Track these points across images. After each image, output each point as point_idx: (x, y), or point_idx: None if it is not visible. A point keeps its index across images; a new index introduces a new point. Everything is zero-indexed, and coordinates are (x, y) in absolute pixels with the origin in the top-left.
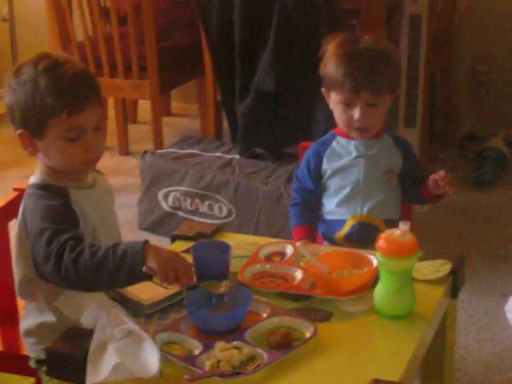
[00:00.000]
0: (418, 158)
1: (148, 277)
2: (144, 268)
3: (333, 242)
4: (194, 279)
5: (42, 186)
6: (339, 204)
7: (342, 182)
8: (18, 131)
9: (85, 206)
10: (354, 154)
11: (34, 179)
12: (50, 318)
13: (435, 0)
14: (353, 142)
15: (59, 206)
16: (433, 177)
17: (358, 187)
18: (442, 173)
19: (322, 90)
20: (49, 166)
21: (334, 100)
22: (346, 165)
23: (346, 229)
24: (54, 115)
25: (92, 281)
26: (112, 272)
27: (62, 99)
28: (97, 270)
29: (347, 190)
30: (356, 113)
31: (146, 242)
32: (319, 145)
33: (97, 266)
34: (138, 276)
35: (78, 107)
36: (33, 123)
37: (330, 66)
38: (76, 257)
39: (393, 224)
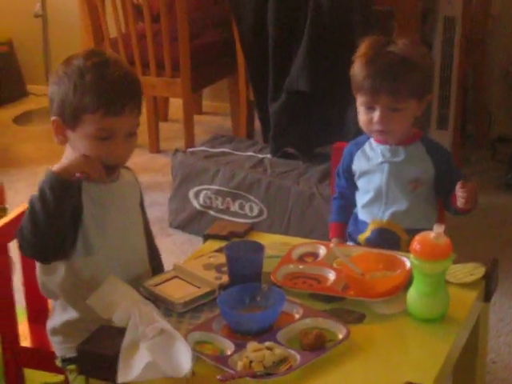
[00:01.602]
0: (454, 168)
1: (72, 185)
2: (78, 175)
3: (356, 243)
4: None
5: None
6: (364, 206)
7: (367, 185)
8: (53, 118)
9: (100, 199)
10: (380, 159)
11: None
12: (73, 315)
13: (469, 2)
14: (381, 147)
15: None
16: (456, 187)
17: (380, 193)
18: (460, 184)
19: (353, 91)
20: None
21: (358, 101)
22: (371, 169)
23: (367, 233)
24: (89, 112)
25: (34, 231)
26: (40, 206)
27: (100, 99)
28: (31, 218)
29: (371, 194)
30: (376, 116)
31: (49, 169)
32: (353, 145)
33: (29, 215)
34: (65, 187)
35: (115, 110)
36: (68, 114)
37: (355, 67)
38: (20, 230)
39: (415, 233)
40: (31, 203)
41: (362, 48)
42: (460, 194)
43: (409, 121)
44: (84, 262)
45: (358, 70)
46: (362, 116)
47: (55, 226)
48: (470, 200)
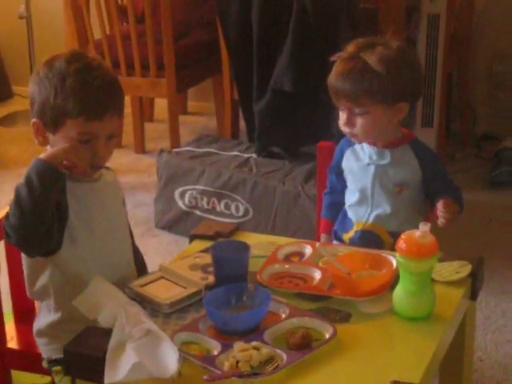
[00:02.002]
0: (441, 172)
1: (59, 172)
2: (65, 162)
3: (341, 241)
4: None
5: None
6: (351, 206)
7: (354, 185)
8: (33, 120)
9: (83, 197)
10: (366, 160)
11: None
12: (58, 316)
13: (453, 0)
14: (369, 149)
15: None
16: (437, 205)
17: (366, 194)
18: (440, 204)
19: None
20: None
21: None
22: (358, 169)
23: (351, 233)
24: (71, 117)
25: (21, 220)
26: (26, 193)
27: (82, 104)
28: (17, 204)
29: (357, 194)
30: (342, 118)
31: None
32: (345, 141)
33: (16, 202)
34: (52, 174)
35: (96, 116)
36: (49, 117)
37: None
38: (6, 217)
39: (399, 236)
40: (17, 190)
41: (347, 48)
42: (441, 214)
43: (376, 126)
44: (71, 261)
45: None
46: (339, 118)
47: (41, 213)
48: (448, 222)
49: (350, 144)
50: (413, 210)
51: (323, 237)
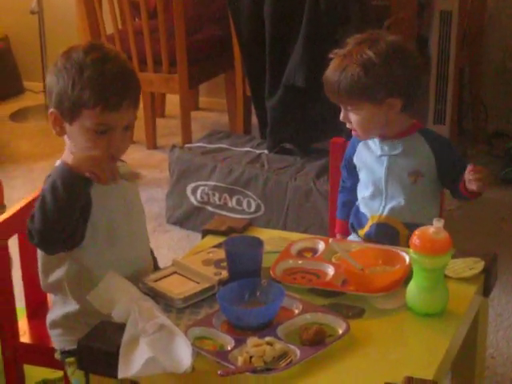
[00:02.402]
0: (458, 156)
1: (85, 182)
2: (87, 175)
3: (357, 235)
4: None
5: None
6: (364, 200)
7: (367, 178)
8: (50, 110)
9: (103, 192)
10: (379, 152)
11: (58, 163)
12: (74, 307)
13: None
14: (379, 141)
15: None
16: (467, 171)
17: (380, 187)
18: (471, 167)
19: None
20: (71, 151)
21: None
22: (371, 161)
23: (366, 227)
24: (88, 107)
25: (44, 222)
26: (51, 199)
27: (99, 94)
28: (41, 209)
29: (371, 188)
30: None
31: (60, 164)
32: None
33: (40, 207)
34: (78, 184)
35: (113, 106)
36: (66, 108)
37: None
38: (31, 218)
39: (415, 228)
40: (42, 194)
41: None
42: (472, 177)
43: (371, 122)
44: (89, 255)
45: None
46: None
47: (65, 219)
48: (483, 182)
49: (359, 140)
50: (427, 200)
51: (339, 236)
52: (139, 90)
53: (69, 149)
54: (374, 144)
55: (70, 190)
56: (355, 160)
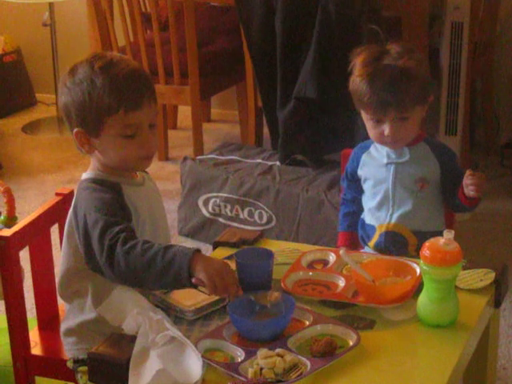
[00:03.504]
0: (459, 168)
1: (194, 285)
2: (193, 280)
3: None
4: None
5: (95, 180)
6: (371, 210)
7: (374, 188)
8: (75, 130)
9: (136, 201)
10: (385, 160)
11: (86, 175)
12: (90, 316)
13: (477, 8)
14: (386, 149)
15: (113, 199)
16: (465, 176)
17: (387, 195)
18: (469, 172)
19: (356, 106)
20: (102, 163)
21: (364, 116)
22: (376, 171)
23: (375, 237)
24: (112, 113)
25: (140, 276)
26: (159, 273)
27: (118, 97)
28: (145, 267)
29: (378, 196)
30: (386, 129)
31: (197, 251)
32: (359, 148)
33: (146, 264)
34: (184, 282)
35: (135, 104)
36: (90, 121)
37: (356, 85)
38: (128, 250)
39: (423, 236)
40: (154, 259)
41: (359, 65)
42: (469, 182)
43: (417, 125)
44: None
45: (360, 87)
46: (372, 130)
47: (151, 287)
48: (479, 188)
49: (364, 150)
50: (434, 207)
51: (341, 250)
52: (153, 84)
53: (97, 162)
54: (379, 153)
55: (173, 283)
56: (360, 172)
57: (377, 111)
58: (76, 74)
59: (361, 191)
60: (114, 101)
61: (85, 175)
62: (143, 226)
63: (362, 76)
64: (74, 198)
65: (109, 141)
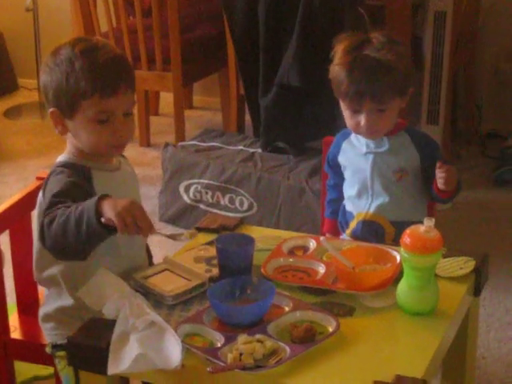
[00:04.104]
0: (438, 157)
1: (109, 230)
2: (103, 220)
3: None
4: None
5: (66, 164)
6: (350, 199)
7: (353, 176)
8: (50, 109)
9: (108, 186)
10: (364, 149)
11: (60, 158)
12: (68, 302)
13: None
14: (365, 138)
15: (74, 184)
16: (436, 168)
17: (365, 184)
18: (438, 164)
19: (335, 93)
20: (76, 147)
21: (342, 105)
22: (355, 160)
23: (352, 225)
24: (86, 97)
25: (61, 241)
26: (74, 227)
27: (94, 82)
28: (63, 230)
29: (356, 186)
30: (362, 120)
31: (102, 196)
32: (340, 135)
33: (63, 226)
34: (96, 227)
35: (110, 91)
36: (65, 103)
37: (335, 73)
38: (51, 219)
39: (401, 226)
40: (69, 215)
41: (339, 53)
42: (439, 175)
43: (394, 117)
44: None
45: (339, 76)
46: (349, 120)
47: (81, 246)
48: (448, 180)
49: (345, 137)
50: (413, 198)
51: (327, 235)
52: (133, 73)
53: (72, 146)
54: (359, 142)
55: (91, 233)
56: (340, 159)
57: (353, 101)
58: (58, 54)
59: (342, 178)
60: (90, 85)
61: (59, 158)
62: None
63: (341, 65)
64: (44, 181)
65: (82, 124)
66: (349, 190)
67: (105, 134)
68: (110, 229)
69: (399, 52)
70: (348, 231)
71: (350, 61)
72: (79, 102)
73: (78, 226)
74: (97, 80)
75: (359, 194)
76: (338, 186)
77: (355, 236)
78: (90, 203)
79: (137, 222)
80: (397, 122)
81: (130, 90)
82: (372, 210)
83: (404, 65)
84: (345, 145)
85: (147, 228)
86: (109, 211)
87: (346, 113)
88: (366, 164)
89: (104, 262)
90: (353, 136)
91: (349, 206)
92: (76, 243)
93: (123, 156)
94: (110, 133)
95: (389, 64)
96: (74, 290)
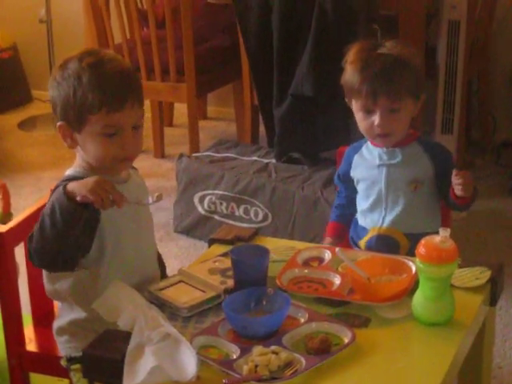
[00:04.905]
0: (452, 166)
1: (83, 205)
2: (78, 198)
3: (357, 247)
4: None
5: (72, 178)
6: (364, 212)
7: (366, 190)
8: (58, 123)
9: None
10: (377, 162)
11: (67, 172)
12: (80, 314)
13: (474, 6)
14: (378, 150)
15: None
16: (452, 176)
17: (380, 197)
18: (455, 172)
19: (346, 98)
20: (85, 160)
21: (355, 108)
22: (369, 173)
23: (366, 238)
24: (93, 111)
25: (42, 244)
26: (49, 224)
27: (101, 96)
28: (40, 232)
29: (371, 198)
30: (376, 119)
31: (66, 184)
32: (351, 149)
33: (39, 229)
34: (71, 210)
35: (117, 105)
36: (72, 117)
37: (348, 73)
38: (30, 234)
39: (416, 239)
40: (42, 217)
41: (352, 54)
42: (455, 182)
43: (408, 121)
44: (96, 263)
45: (352, 75)
46: (362, 121)
47: (63, 244)
48: (466, 186)
49: (356, 150)
50: (427, 209)
51: (326, 240)
52: (140, 87)
53: (81, 159)
54: (371, 154)
55: (67, 216)
56: (352, 174)
57: (367, 100)
58: (65, 68)
59: (354, 191)
60: (97, 99)
61: (67, 172)
62: (124, 224)
63: (354, 63)
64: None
65: (89, 138)
66: (362, 203)
67: (112, 148)
68: (83, 205)
69: (411, 51)
70: (362, 241)
71: (364, 58)
72: (86, 116)
73: (53, 218)
74: (104, 94)
75: (373, 208)
76: (348, 197)
77: (369, 249)
78: (57, 194)
79: (110, 196)
80: (409, 132)
81: (137, 103)
82: (386, 223)
83: (417, 63)
84: (356, 158)
85: (120, 199)
86: (82, 190)
87: (358, 115)
88: (380, 176)
89: (112, 273)
90: (364, 149)
91: (361, 220)
92: (55, 239)
93: (134, 168)
94: (117, 146)
95: (403, 60)
96: (85, 304)
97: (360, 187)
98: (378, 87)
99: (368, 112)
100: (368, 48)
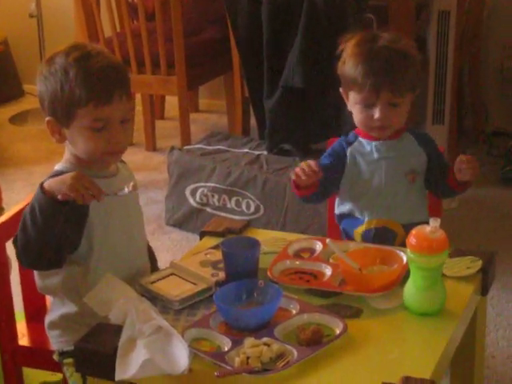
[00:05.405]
0: (441, 155)
1: (61, 202)
2: (59, 197)
3: (350, 238)
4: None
5: (61, 173)
6: (360, 206)
7: (364, 185)
8: (47, 118)
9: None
10: (375, 156)
11: (56, 167)
12: (71, 309)
13: None
14: (373, 144)
15: None
16: (458, 161)
17: (379, 190)
18: (464, 157)
19: (341, 89)
20: (73, 155)
21: (352, 100)
22: (367, 167)
23: (361, 229)
24: (81, 105)
25: (25, 244)
26: (30, 223)
27: (89, 90)
28: (23, 233)
29: (369, 193)
30: (376, 112)
31: (42, 184)
32: (345, 143)
33: (21, 230)
34: (49, 208)
35: (105, 99)
36: (60, 112)
37: (349, 65)
38: (15, 236)
39: (412, 228)
40: (23, 216)
41: (352, 47)
42: (462, 166)
43: (406, 115)
44: (86, 258)
45: (352, 68)
46: (360, 114)
47: (46, 241)
48: (475, 170)
49: (349, 144)
50: (421, 198)
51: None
52: (128, 80)
53: (70, 154)
54: (365, 149)
55: (46, 213)
56: (349, 169)
57: (370, 93)
58: (52, 63)
59: (336, 183)
60: (84, 94)
61: (56, 167)
62: (113, 217)
63: (355, 56)
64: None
65: (78, 132)
66: (360, 197)
67: (101, 142)
68: (60, 201)
69: (411, 43)
70: (358, 231)
71: (366, 52)
72: (74, 110)
73: (33, 216)
74: (91, 88)
75: (372, 200)
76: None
77: (366, 240)
78: (35, 193)
79: (89, 190)
80: None
81: (125, 96)
82: (384, 215)
83: (416, 56)
84: (351, 150)
85: (98, 193)
86: (61, 188)
87: (356, 107)
88: (379, 170)
89: (102, 267)
90: (357, 144)
91: (359, 213)
92: (37, 237)
93: (122, 161)
94: (106, 140)
95: (406, 54)
96: (76, 298)
97: (356, 183)
98: (381, 81)
99: (367, 105)
100: (368, 40)
